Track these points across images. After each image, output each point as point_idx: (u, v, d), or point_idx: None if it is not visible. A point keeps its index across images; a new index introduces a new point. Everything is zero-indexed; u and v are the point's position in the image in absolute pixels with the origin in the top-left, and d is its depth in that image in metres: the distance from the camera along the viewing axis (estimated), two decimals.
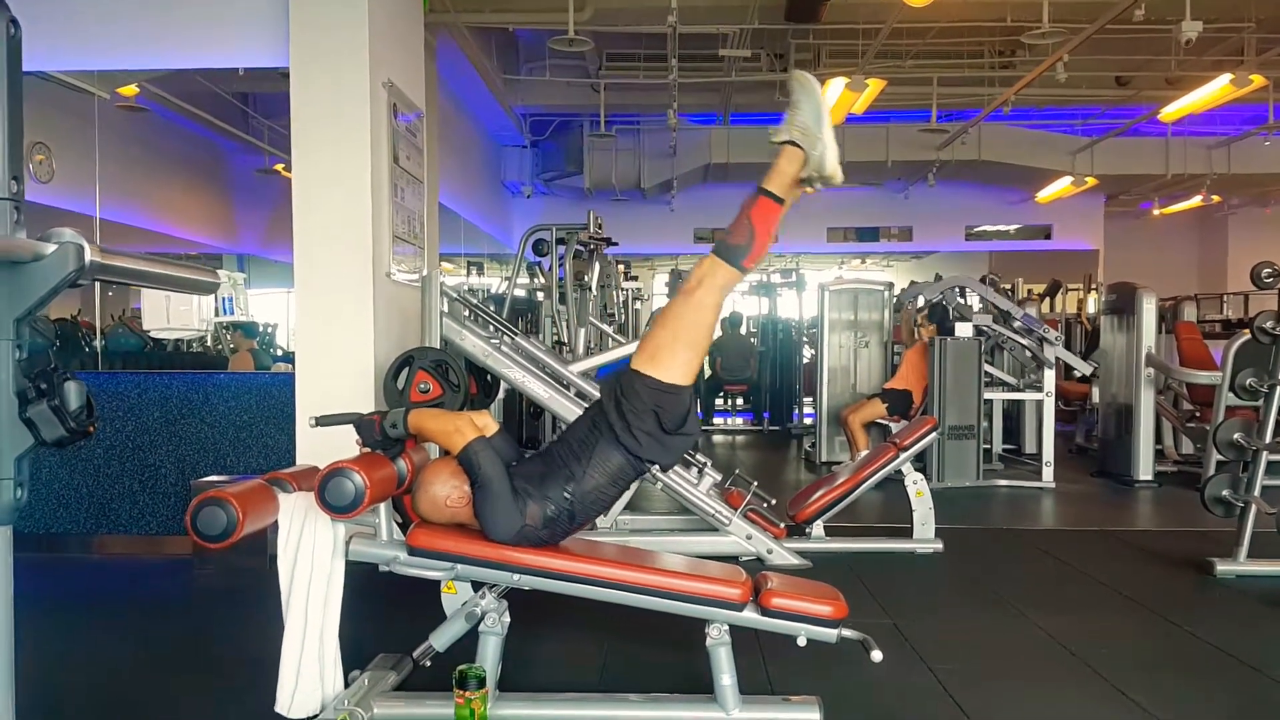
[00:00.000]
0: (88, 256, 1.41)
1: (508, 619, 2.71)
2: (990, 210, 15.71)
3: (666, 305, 2.76)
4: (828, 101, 2.69)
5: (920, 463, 5.79)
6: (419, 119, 5.36)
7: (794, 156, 2.64)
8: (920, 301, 7.92)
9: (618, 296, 9.99)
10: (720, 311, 2.72)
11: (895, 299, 8.48)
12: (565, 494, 2.62)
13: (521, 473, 2.67)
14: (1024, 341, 7.44)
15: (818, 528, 4.89)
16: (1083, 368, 7.68)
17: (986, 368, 7.30)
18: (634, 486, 4.75)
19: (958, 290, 8.09)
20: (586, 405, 4.62)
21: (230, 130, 10.71)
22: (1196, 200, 14.42)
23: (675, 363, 2.61)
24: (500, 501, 2.57)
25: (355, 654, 2.79)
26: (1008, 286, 10.56)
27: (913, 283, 10.88)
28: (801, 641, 2.60)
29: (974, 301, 8.54)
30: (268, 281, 13.88)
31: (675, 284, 11.77)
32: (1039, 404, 7.41)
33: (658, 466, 2.73)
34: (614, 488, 2.69)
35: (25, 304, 1.41)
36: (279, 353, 9.90)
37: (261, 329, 10.03)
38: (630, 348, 5.04)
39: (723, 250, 2.64)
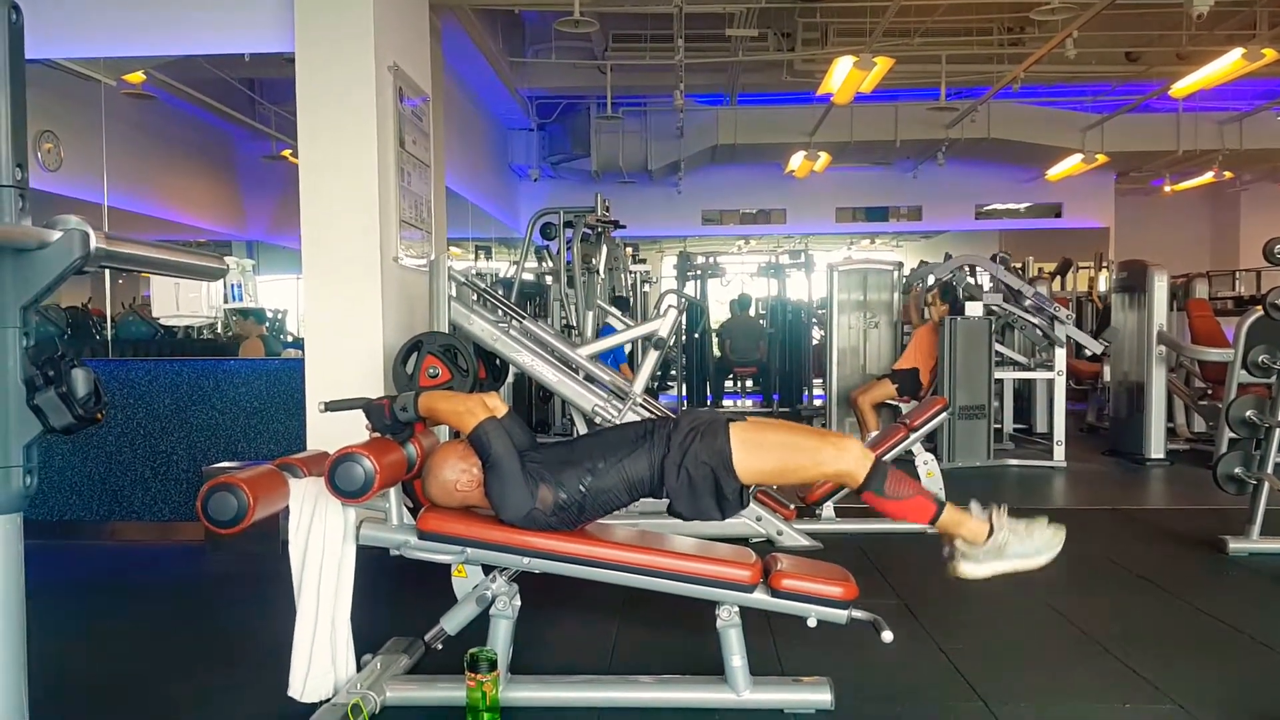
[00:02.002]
0: (93, 243, 1.41)
1: (519, 602, 2.71)
2: (1000, 188, 15.60)
3: (805, 428, 2.84)
4: (1042, 562, 2.72)
5: (931, 443, 5.77)
6: (425, 103, 5.34)
7: (980, 533, 2.66)
8: (930, 280, 7.87)
9: (626, 279, 9.98)
10: (817, 478, 2.82)
11: (904, 280, 8.44)
12: (581, 486, 2.63)
13: (542, 457, 2.68)
14: (1034, 320, 7.40)
15: (828, 509, 4.89)
16: (1094, 346, 7.64)
17: (997, 347, 7.27)
18: None
19: (968, 270, 8.05)
20: (595, 388, 4.64)
21: (237, 116, 10.68)
22: (1208, 176, 14.30)
23: (757, 464, 2.64)
24: (512, 481, 2.58)
25: (367, 638, 2.80)
26: (1018, 265, 10.50)
27: (922, 262, 10.85)
28: (812, 622, 2.60)
29: (984, 280, 8.50)
30: (276, 268, 13.90)
31: (684, 267, 11.76)
32: (1050, 383, 7.38)
33: (670, 505, 2.72)
34: (626, 495, 2.69)
35: (31, 291, 1.41)
36: (289, 339, 9.92)
37: (271, 315, 10.04)
38: (640, 330, 5.02)
39: (874, 467, 2.63)
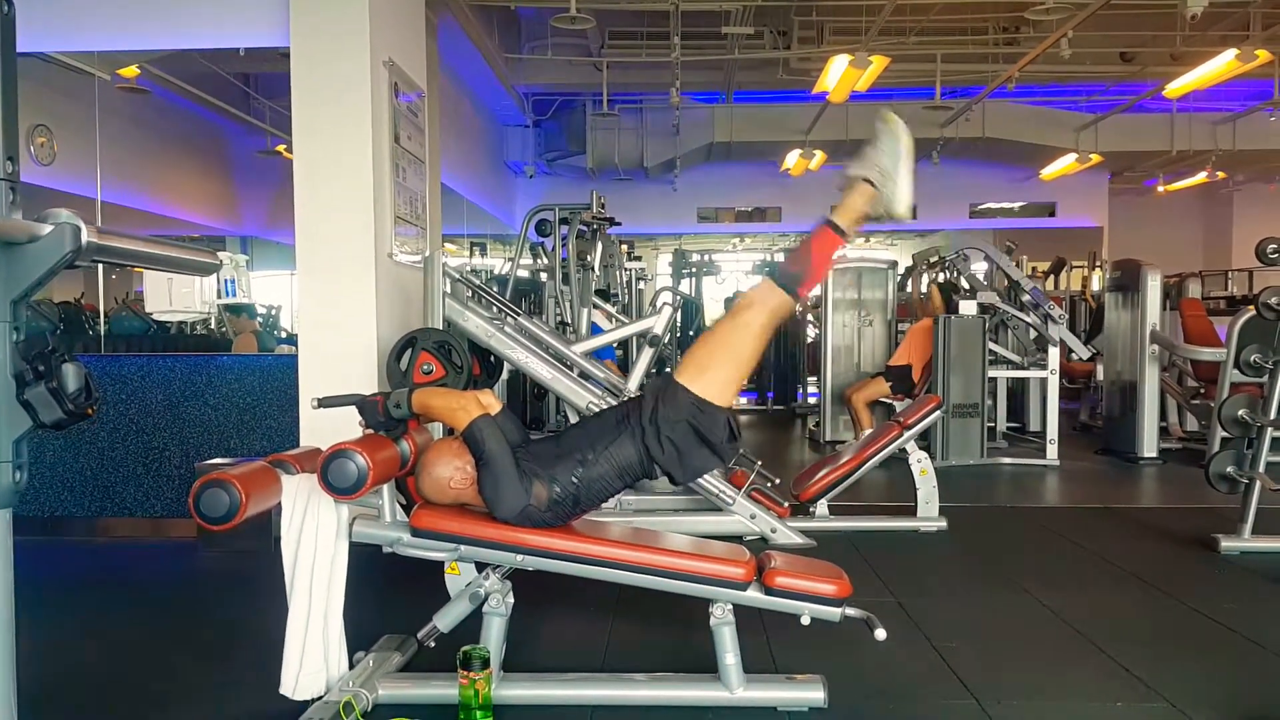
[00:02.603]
0: (84, 237, 1.40)
1: (511, 600, 2.71)
2: (994, 188, 15.63)
3: (715, 323, 2.79)
4: (909, 146, 2.74)
5: (924, 441, 5.80)
6: (420, 99, 5.33)
7: (866, 193, 2.70)
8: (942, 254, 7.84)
9: (621, 276, 9.97)
10: (767, 336, 2.72)
11: (908, 266, 8.44)
12: (573, 478, 2.63)
13: (533, 452, 2.67)
14: (1028, 319, 7.42)
15: (822, 506, 4.89)
16: (1081, 351, 7.68)
17: (991, 345, 7.28)
18: None
19: (967, 258, 8.04)
20: (589, 385, 4.63)
21: (232, 111, 10.65)
22: (1201, 177, 14.32)
23: (716, 381, 2.64)
24: (505, 479, 2.57)
25: (360, 635, 2.80)
26: (1014, 263, 10.52)
27: (909, 269, 10.86)
28: (805, 620, 2.60)
29: (979, 272, 8.50)
30: (271, 263, 13.86)
31: (679, 264, 11.75)
32: (1043, 382, 7.39)
33: (670, 477, 2.72)
34: (619, 481, 2.70)
35: (21, 286, 1.40)
36: (283, 334, 9.89)
37: (265, 311, 10.02)
38: (635, 327, 5.02)
39: (779, 276, 2.68)
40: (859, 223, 2.73)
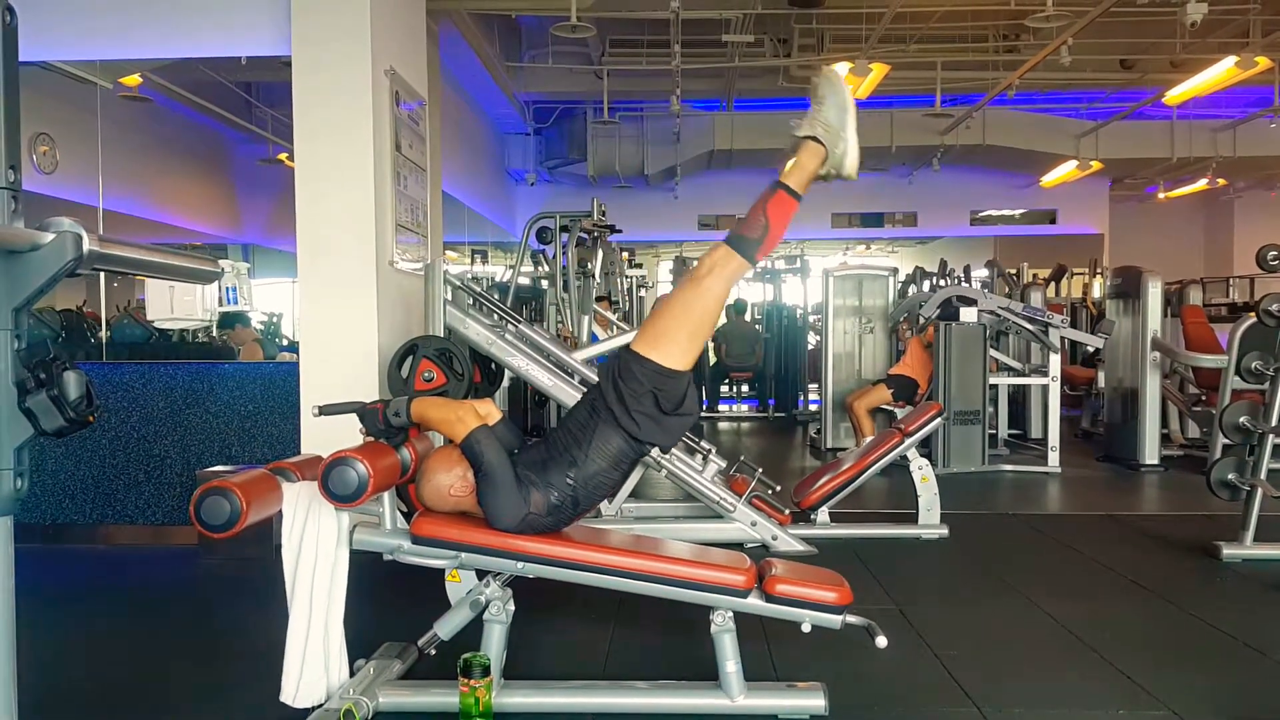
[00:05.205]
0: (86, 245, 1.41)
1: (512, 607, 2.71)
2: (995, 195, 15.66)
3: (674, 291, 2.77)
4: (852, 100, 2.72)
5: (925, 448, 5.80)
6: (421, 107, 5.34)
7: (815, 152, 2.70)
8: (920, 320, 7.74)
9: (621, 284, 9.98)
10: (725, 300, 2.71)
11: (893, 308, 8.37)
12: (568, 480, 2.62)
13: (524, 460, 2.66)
14: (1031, 327, 7.40)
15: (823, 514, 4.89)
16: (1093, 341, 7.63)
17: (992, 353, 7.27)
18: (638, 474, 4.76)
19: (958, 288, 8.00)
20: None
21: (234, 120, 10.67)
22: (1202, 184, 14.34)
23: (677, 348, 2.62)
24: (504, 490, 2.56)
25: (360, 643, 2.79)
26: (1013, 271, 10.52)
27: (915, 270, 10.85)
28: (806, 628, 2.60)
29: (980, 278, 8.48)
30: (272, 271, 13.87)
31: (680, 271, 11.78)
32: (1044, 389, 7.39)
33: (657, 449, 2.72)
34: (615, 471, 2.69)
35: (23, 294, 1.41)
36: (284, 342, 9.91)
37: (266, 318, 10.03)
38: (629, 336, 5.03)
39: (736, 242, 2.66)
40: (810, 182, 2.74)
